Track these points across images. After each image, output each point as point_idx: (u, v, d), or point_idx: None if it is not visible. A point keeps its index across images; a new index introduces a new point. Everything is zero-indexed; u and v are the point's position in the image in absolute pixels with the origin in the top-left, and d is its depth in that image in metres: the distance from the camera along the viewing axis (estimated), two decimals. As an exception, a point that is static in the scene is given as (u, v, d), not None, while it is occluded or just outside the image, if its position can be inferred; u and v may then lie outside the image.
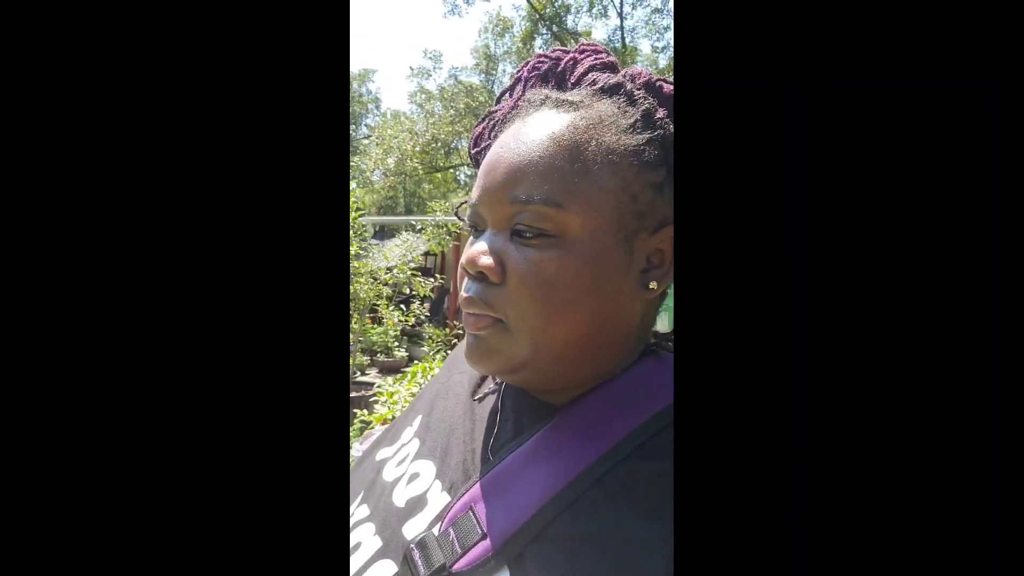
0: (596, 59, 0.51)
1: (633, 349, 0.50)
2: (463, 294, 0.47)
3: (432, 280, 4.81)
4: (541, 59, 0.53)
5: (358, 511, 0.53)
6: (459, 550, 0.42)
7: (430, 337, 5.37)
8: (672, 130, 0.48)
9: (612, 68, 0.51)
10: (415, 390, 3.27)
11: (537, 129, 0.46)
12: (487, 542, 0.42)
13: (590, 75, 0.50)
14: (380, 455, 0.60)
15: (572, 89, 0.50)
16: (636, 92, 0.48)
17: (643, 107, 0.47)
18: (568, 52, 0.52)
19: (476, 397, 0.57)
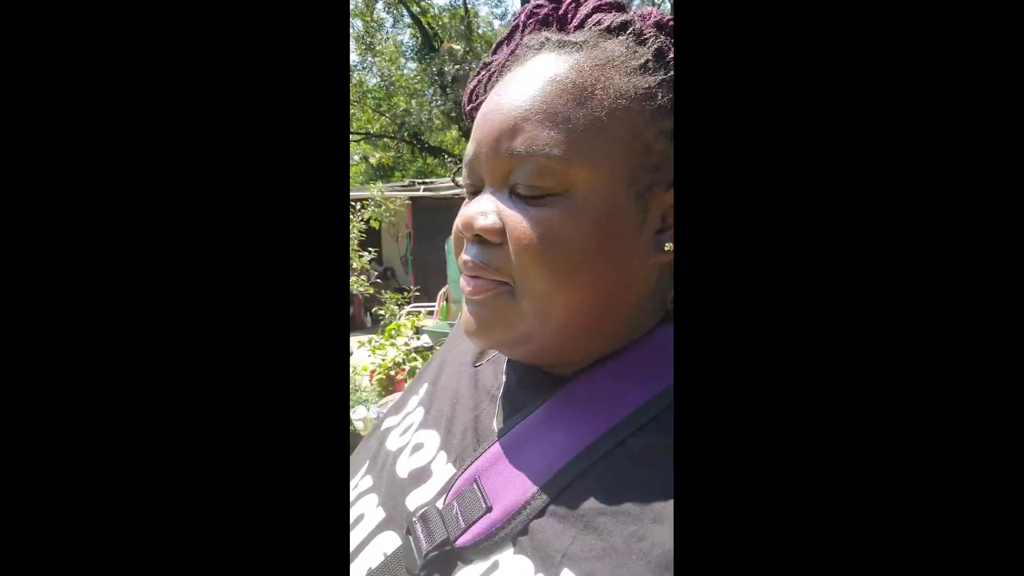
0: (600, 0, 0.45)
1: (647, 318, 0.45)
2: (463, 257, 0.43)
3: (369, 253, 4.93)
4: (539, 4, 0.47)
5: (362, 482, 0.51)
6: (463, 524, 0.40)
7: (386, 302, 5.52)
8: None
9: (619, 8, 0.45)
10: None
11: (537, 73, 0.41)
12: (491, 516, 0.39)
13: (594, 16, 0.44)
14: (386, 424, 0.57)
15: (575, 31, 0.44)
16: (646, 30, 0.43)
17: (655, 46, 0.42)
18: None
19: (476, 364, 0.54)
